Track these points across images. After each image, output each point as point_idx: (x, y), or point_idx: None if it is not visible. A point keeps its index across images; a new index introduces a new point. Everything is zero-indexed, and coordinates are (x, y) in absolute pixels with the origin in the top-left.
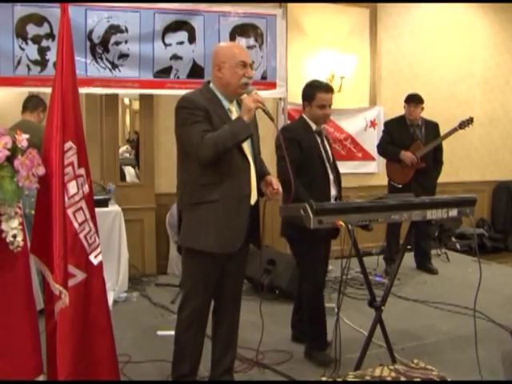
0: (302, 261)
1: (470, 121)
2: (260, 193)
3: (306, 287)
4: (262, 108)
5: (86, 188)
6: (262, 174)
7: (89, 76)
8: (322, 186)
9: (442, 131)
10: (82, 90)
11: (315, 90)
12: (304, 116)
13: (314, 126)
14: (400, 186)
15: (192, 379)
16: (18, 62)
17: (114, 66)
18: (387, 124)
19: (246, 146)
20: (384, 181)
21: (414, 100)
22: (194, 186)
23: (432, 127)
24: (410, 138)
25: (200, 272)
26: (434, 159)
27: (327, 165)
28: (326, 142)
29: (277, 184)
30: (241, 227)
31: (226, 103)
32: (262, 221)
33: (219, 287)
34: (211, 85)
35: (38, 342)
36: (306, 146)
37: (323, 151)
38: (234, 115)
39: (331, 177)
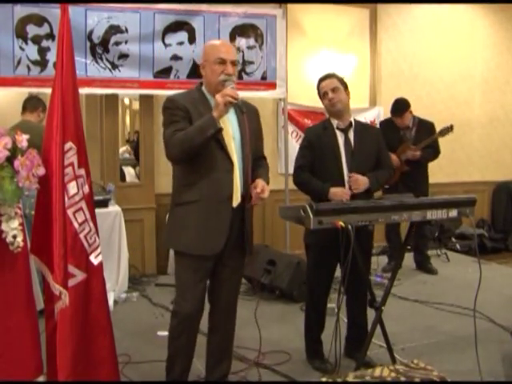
0: (307, 267)
1: (449, 128)
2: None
3: (306, 296)
4: (232, 102)
5: (86, 188)
6: (255, 177)
7: (89, 76)
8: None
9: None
10: (82, 90)
11: (317, 85)
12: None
13: (335, 123)
14: (387, 186)
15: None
16: (18, 62)
17: (114, 66)
18: (379, 125)
19: (232, 146)
20: None
21: (396, 113)
22: (177, 187)
23: (426, 127)
24: (398, 141)
25: (187, 275)
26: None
27: (344, 165)
28: (353, 139)
29: (261, 188)
30: (221, 230)
31: (213, 101)
32: (250, 225)
33: (213, 293)
34: (203, 85)
35: (38, 341)
36: (319, 146)
37: (344, 150)
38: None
39: (346, 178)
